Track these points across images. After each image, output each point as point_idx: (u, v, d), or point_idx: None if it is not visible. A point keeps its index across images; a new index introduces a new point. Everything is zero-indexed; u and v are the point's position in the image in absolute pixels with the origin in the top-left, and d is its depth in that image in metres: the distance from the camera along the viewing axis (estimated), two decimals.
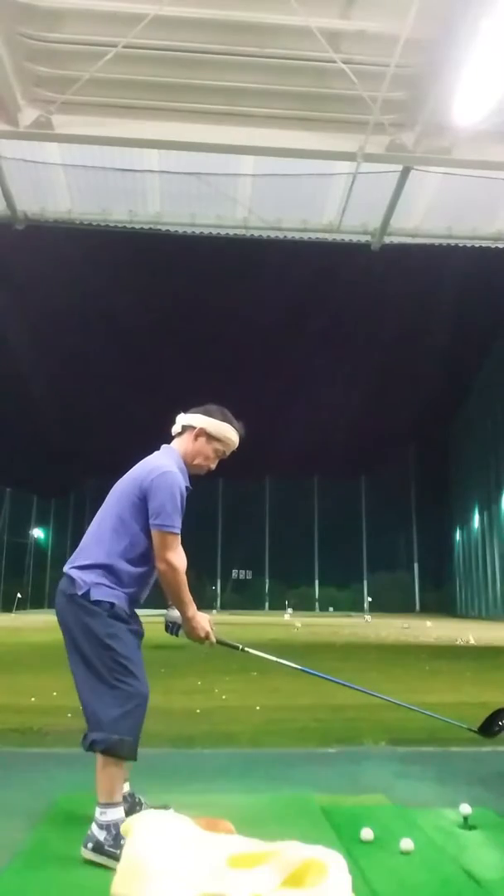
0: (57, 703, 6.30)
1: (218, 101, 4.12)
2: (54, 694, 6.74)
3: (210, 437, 3.07)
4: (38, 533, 51.60)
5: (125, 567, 2.84)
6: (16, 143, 4.60)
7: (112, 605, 2.78)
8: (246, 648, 3.20)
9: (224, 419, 3.10)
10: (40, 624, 22.37)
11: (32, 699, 6.54)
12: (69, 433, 38.76)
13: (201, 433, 3.06)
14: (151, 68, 3.94)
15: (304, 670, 3.46)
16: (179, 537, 2.85)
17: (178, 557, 2.84)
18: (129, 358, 33.39)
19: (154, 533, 2.82)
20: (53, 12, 3.64)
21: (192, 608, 2.91)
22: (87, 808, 3.00)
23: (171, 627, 3.03)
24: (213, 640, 2.99)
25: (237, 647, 3.18)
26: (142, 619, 2.94)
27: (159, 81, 4.03)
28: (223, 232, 5.60)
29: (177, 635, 3.03)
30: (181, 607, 2.91)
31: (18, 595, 34.06)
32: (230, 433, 3.10)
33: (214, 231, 5.59)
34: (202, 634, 2.94)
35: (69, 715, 5.59)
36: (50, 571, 49.47)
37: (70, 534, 51.41)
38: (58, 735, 5.06)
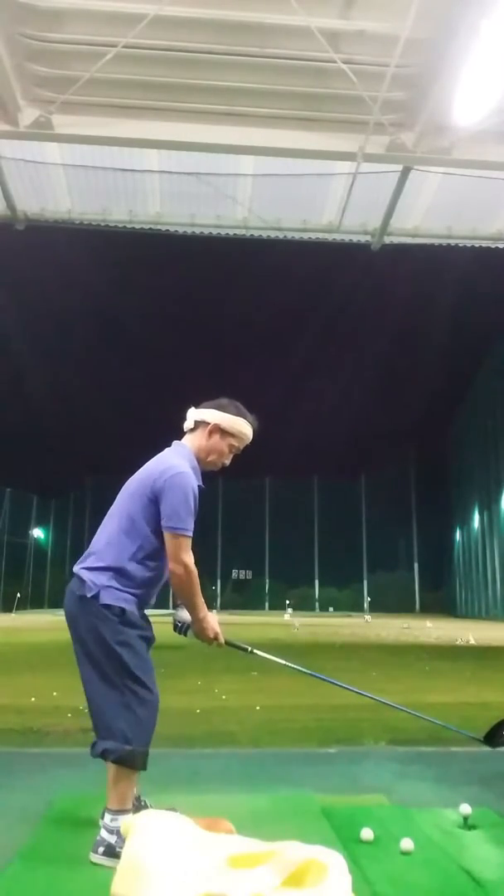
0: (57, 703, 6.30)
1: (218, 101, 4.12)
2: (54, 694, 6.74)
3: (224, 433, 2.99)
4: (38, 533, 51.63)
5: (136, 569, 2.79)
6: (16, 143, 4.60)
7: (123, 610, 2.74)
8: (255, 650, 3.16)
9: (238, 413, 3.03)
10: (40, 624, 22.37)
11: (32, 699, 6.54)
12: (69, 433, 38.74)
13: (215, 429, 2.99)
14: (151, 68, 3.94)
15: (314, 675, 3.41)
16: (191, 540, 2.81)
17: (191, 559, 2.80)
18: (129, 357, 33.40)
19: (167, 535, 2.77)
20: (53, 12, 3.63)
21: (203, 610, 2.88)
22: (86, 807, 3.01)
23: (180, 627, 3.00)
24: (222, 641, 2.96)
25: (246, 649, 3.15)
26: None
27: (159, 81, 4.03)
28: (223, 232, 5.59)
29: (185, 635, 3.01)
30: (193, 609, 2.88)
31: (18, 595, 34.06)
32: (244, 427, 3.03)
33: (214, 231, 5.58)
34: (211, 636, 2.92)
35: (69, 715, 5.60)
36: (50, 571, 49.48)
37: (70, 534, 51.44)
38: (58, 735, 5.06)
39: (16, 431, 35.15)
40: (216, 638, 2.93)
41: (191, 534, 2.80)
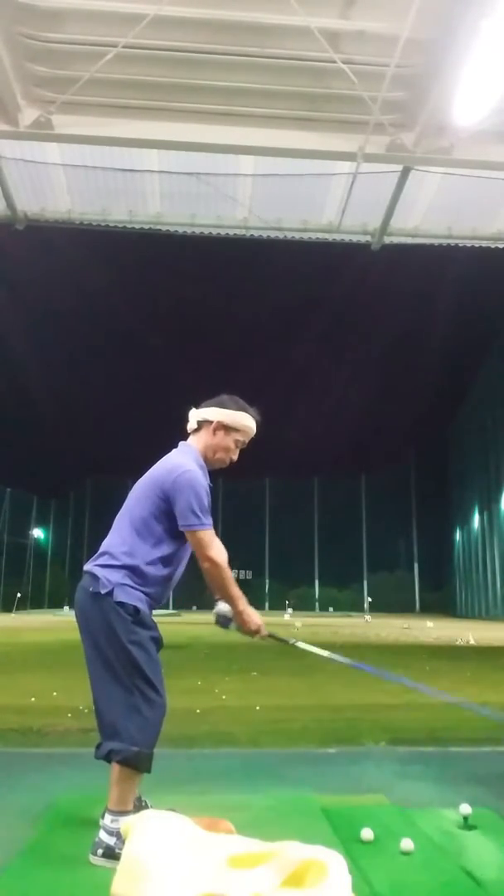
0: (57, 703, 6.30)
1: (218, 101, 4.12)
2: (54, 694, 6.74)
3: (228, 429, 3.02)
4: (38, 533, 51.60)
5: (149, 569, 2.81)
6: (16, 143, 4.59)
7: (136, 609, 2.75)
8: (297, 643, 3.17)
9: (239, 408, 3.05)
10: (40, 624, 22.36)
11: (32, 699, 6.54)
12: (69, 433, 38.73)
13: (219, 426, 3.01)
14: (151, 68, 3.94)
15: (357, 666, 3.36)
16: (213, 532, 2.83)
17: (218, 553, 2.81)
18: (129, 358, 33.39)
19: (187, 534, 2.79)
20: (53, 12, 3.63)
21: (242, 601, 2.89)
22: (85, 808, 3.01)
23: (223, 621, 3.00)
24: (265, 632, 2.97)
25: (287, 642, 3.15)
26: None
27: (159, 81, 4.03)
28: (223, 232, 5.59)
29: (228, 629, 3.00)
30: (231, 602, 2.89)
31: (18, 595, 34.02)
32: (247, 421, 3.05)
33: (214, 231, 5.58)
34: (253, 628, 2.92)
35: (69, 715, 5.60)
36: (50, 571, 49.44)
37: (70, 534, 51.45)
38: (58, 735, 5.06)
39: (16, 431, 35.14)
40: (258, 630, 2.93)
41: (209, 527, 2.81)
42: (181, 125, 4.20)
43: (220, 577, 2.82)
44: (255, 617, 2.93)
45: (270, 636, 3.03)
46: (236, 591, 2.87)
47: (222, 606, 2.98)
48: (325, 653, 3.24)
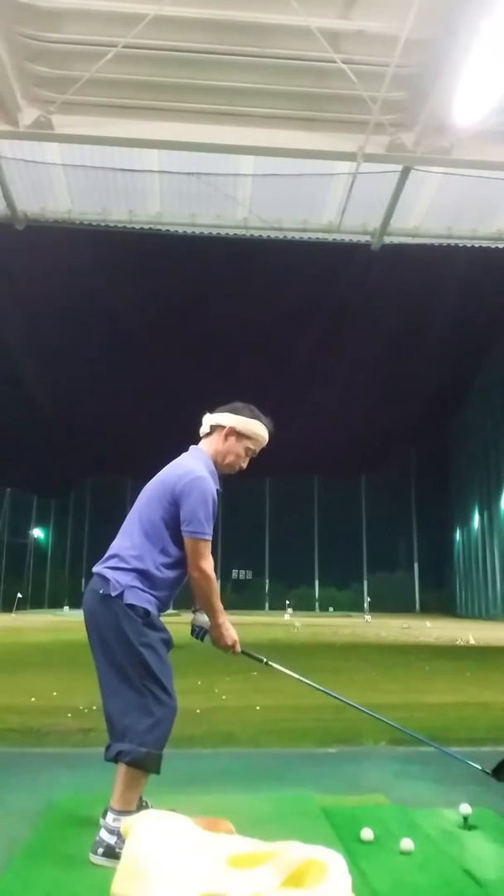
0: (57, 703, 6.30)
1: (218, 101, 4.12)
2: (54, 694, 6.74)
3: (240, 436, 3.02)
4: (38, 533, 51.50)
5: (159, 572, 2.82)
6: (16, 143, 4.61)
7: (147, 612, 2.76)
8: (270, 662, 3.18)
9: (252, 416, 3.05)
10: (40, 624, 22.36)
11: (32, 699, 6.54)
12: (69, 433, 38.67)
13: (231, 432, 3.02)
14: (151, 68, 3.94)
15: (326, 692, 3.43)
16: (210, 544, 2.84)
17: (210, 565, 2.83)
18: (129, 358, 33.34)
19: (186, 540, 2.80)
20: (53, 12, 3.64)
21: (221, 615, 2.90)
22: (86, 807, 3.01)
23: (198, 632, 3.00)
24: (239, 649, 2.98)
25: (261, 660, 3.16)
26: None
27: (159, 81, 4.03)
28: (223, 232, 5.60)
29: (202, 640, 3.01)
30: (212, 614, 2.90)
31: (18, 595, 33.96)
32: (260, 430, 3.05)
33: (214, 231, 5.59)
34: (229, 643, 2.93)
35: (69, 715, 5.60)
36: (50, 571, 49.38)
37: (70, 534, 51.39)
38: (58, 735, 5.06)
39: (16, 431, 35.11)
40: (233, 646, 2.95)
41: (209, 538, 2.82)
42: (181, 125, 4.20)
43: (208, 588, 2.84)
44: (231, 632, 2.94)
45: (244, 653, 3.04)
46: (219, 605, 2.89)
47: (200, 617, 2.98)
48: (295, 675, 3.28)
